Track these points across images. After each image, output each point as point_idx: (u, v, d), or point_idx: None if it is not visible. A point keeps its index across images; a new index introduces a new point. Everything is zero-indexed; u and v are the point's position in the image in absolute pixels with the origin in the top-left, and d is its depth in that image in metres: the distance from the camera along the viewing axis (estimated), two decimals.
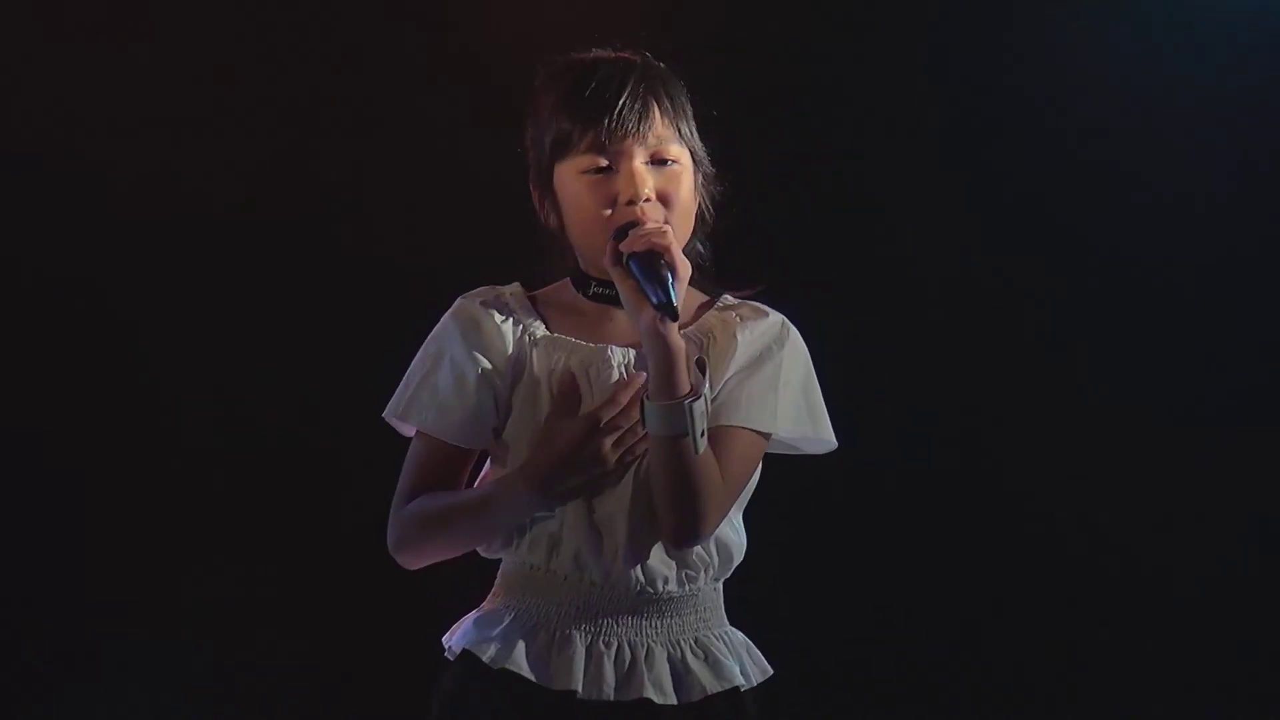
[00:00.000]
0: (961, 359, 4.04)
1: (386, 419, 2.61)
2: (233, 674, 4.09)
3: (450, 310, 2.58)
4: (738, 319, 2.54)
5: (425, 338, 4.01)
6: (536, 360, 2.52)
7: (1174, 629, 4.05)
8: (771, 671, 2.58)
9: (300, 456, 4.11)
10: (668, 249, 2.40)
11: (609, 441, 2.44)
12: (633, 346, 2.50)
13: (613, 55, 2.54)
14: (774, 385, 2.50)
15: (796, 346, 2.55)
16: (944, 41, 4.08)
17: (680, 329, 2.41)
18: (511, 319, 2.54)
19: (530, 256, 2.66)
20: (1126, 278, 4.06)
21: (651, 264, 2.39)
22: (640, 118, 2.47)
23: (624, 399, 2.45)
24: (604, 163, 2.48)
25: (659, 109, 2.50)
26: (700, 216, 2.55)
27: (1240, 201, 4.05)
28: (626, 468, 2.47)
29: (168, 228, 4.08)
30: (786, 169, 4.01)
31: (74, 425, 4.09)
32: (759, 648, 2.60)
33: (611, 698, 2.46)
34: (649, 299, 2.37)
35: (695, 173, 2.54)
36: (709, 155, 2.57)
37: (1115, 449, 4.07)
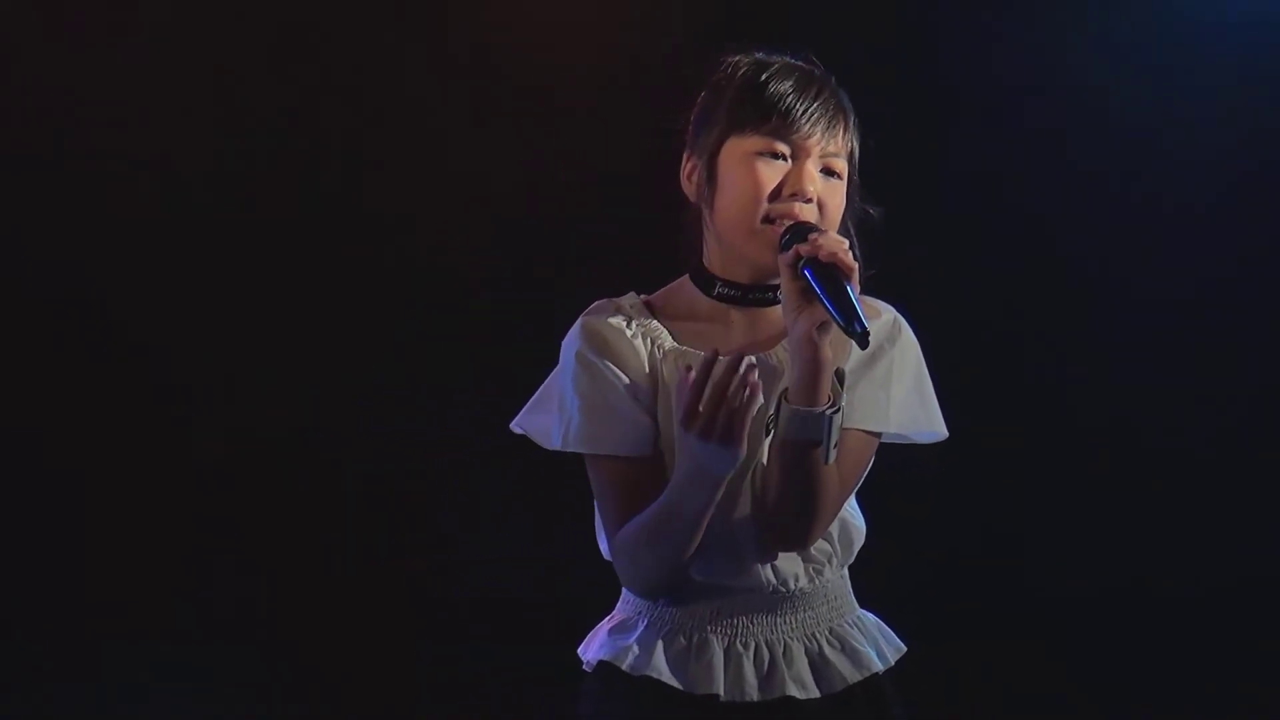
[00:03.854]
0: (957, 364, 4.11)
1: (561, 449, 2.56)
2: (233, 675, 4.09)
3: (577, 331, 2.56)
4: None
5: (423, 336, 4.08)
6: (666, 373, 2.52)
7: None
8: (905, 649, 2.62)
9: (301, 457, 4.11)
10: (854, 270, 2.39)
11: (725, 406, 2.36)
12: (757, 351, 2.52)
13: (803, 64, 2.57)
14: (886, 384, 2.53)
15: (908, 341, 2.57)
16: (943, 48, 4.11)
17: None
18: (640, 332, 2.55)
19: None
20: (1125, 283, 4.13)
21: (834, 279, 2.37)
22: (830, 122, 2.51)
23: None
24: (783, 149, 2.50)
25: (844, 123, 2.53)
26: (850, 242, 2.52)
27: (1239, 210, 4.12)
28: (747, 471, 2.48)
29: (167, 227, 4.07)
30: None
31: (74, 425, 4.07)
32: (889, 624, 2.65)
33: (755, 698, 2.49)
34: (836, 320, 2.35)
35: (847, 196, 2.56)
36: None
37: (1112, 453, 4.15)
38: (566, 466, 2.64)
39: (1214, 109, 4.08)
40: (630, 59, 3.97)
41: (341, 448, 4.12)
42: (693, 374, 2.36)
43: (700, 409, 2.34)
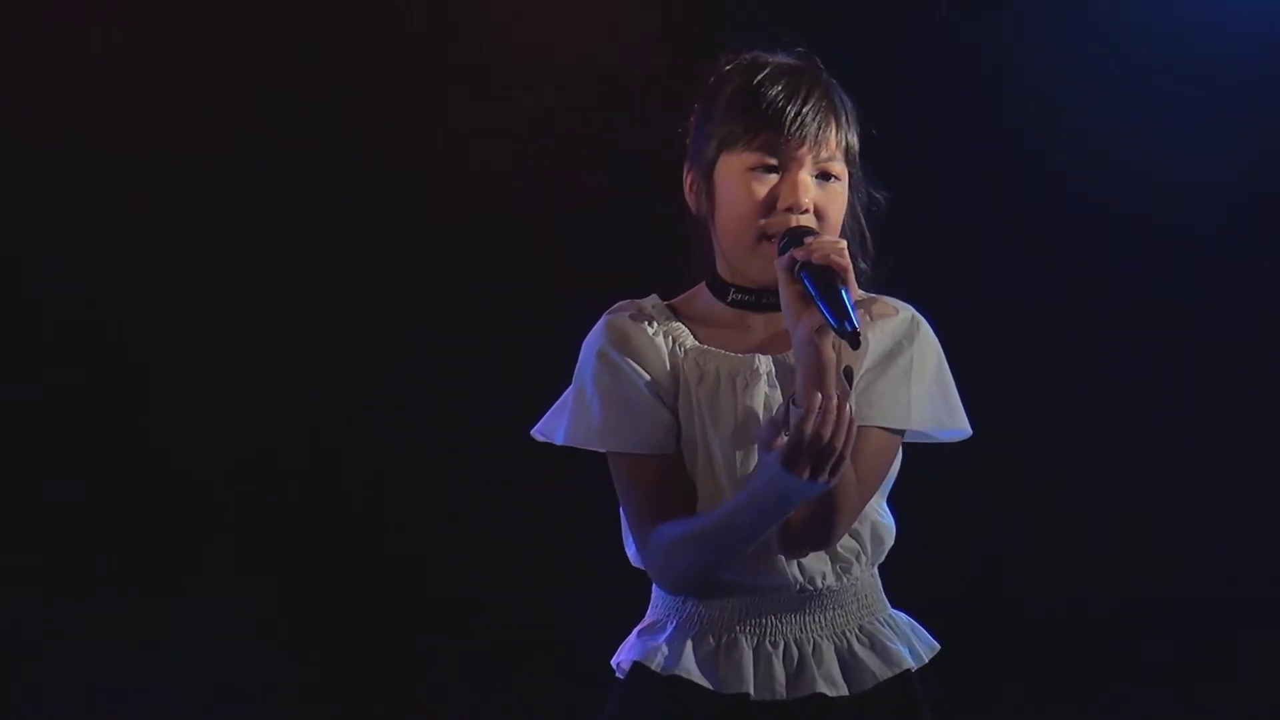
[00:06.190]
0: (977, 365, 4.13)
1: (581, 446, 2.57)
2: (231, 677, 4.11)
3: (600, 328, 2.58)
4: (868, 318, 2.54)
5: (422, 339, 4.08)
6: (687, 370, 2.54)
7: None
8: (939, 647, 2.62)
9: (301, 459, 4.13)
10: (847, 270, 2.41)
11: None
12: (775, 352, 2.53)
13: (794, 62, 2.56)
14: (905, 381, 2.53)
15: (927, 339, 2.57)
16: (945, 53, 4.14)
17: None
18: (661, 330, 2.56)
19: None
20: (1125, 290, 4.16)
21: (828, 281, 2.39)
22: (819, 128, 2.50)
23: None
24: (774, 163, 2.50)
25: (835, 124, 2.53)
26: (861, 235, 2.58)
27: (1240, 213, 4.15)
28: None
29: (166, 228, 4.08)
30: None
31: (74, 426, 4.08)
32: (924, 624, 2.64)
33: (784, 697, 2.50)
34: (829, 321, 2.37)
35: (851, 191, 2.56)
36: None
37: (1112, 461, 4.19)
38: (581, 471, 2.68)
39: (1217, 113, 4.11)
40: (636, 59, 3.97)
41: (344, 450, 4.13)
42: (798, 415, 2.34)
43: (804, 450, 2.33)
